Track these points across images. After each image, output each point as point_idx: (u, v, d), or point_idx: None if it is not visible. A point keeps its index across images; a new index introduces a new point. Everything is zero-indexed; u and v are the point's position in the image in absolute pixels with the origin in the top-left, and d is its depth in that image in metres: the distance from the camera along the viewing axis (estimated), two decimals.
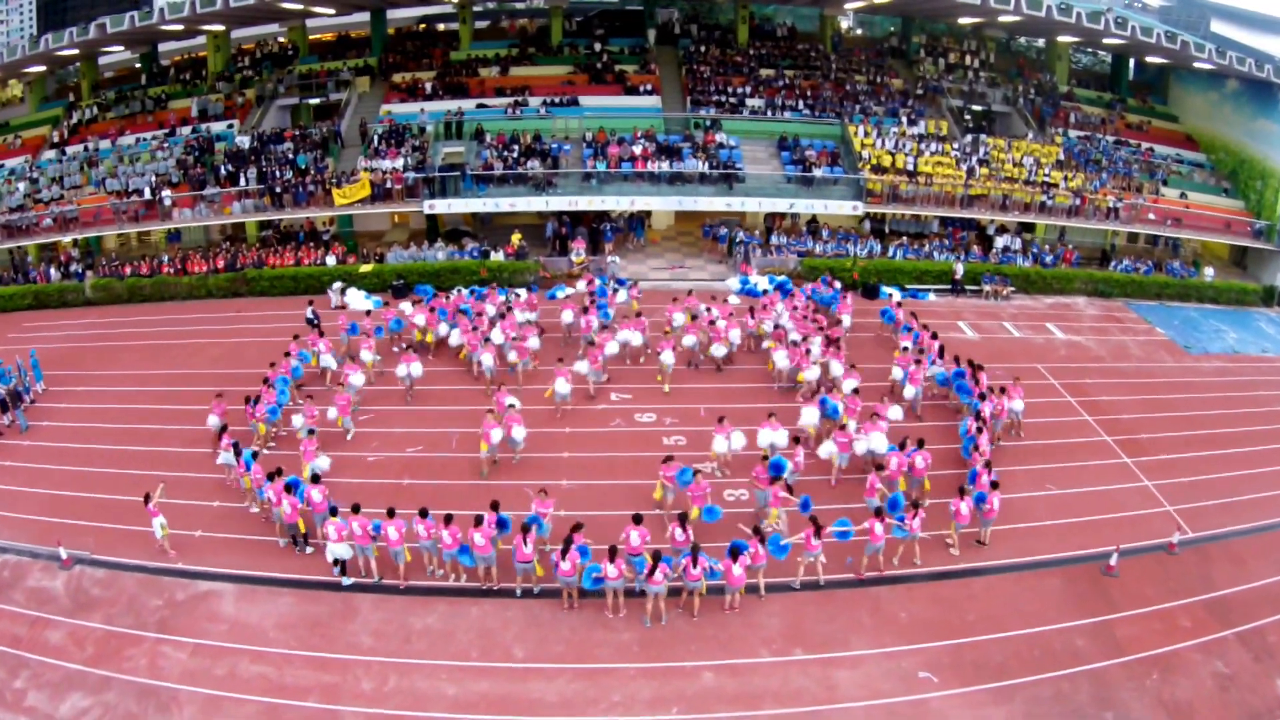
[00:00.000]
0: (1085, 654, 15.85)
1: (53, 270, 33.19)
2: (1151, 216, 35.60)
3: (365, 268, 32.43)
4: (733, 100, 39.72)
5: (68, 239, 34.64)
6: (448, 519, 16.72)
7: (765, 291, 30.42)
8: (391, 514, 16.99)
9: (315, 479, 18.06)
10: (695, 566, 16.13)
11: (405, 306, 27.41)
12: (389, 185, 33.81)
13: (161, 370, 26.32)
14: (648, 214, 37.70)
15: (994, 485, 18.38)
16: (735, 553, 16.28)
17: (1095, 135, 40.00)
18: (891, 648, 15.84)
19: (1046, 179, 35.77)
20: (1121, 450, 22.47)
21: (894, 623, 16.47)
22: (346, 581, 17.35)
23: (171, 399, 24.43)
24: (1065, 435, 23.09)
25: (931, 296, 32.70)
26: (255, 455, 19.51)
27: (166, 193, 33.90)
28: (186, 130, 38.26)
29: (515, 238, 34.11)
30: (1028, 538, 18.92)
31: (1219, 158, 39.66)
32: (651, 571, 15.92)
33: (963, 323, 30.24)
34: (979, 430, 20.45)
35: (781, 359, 24.30)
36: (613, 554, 16.04)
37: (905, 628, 16.35)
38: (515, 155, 35.27)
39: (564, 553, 16.10)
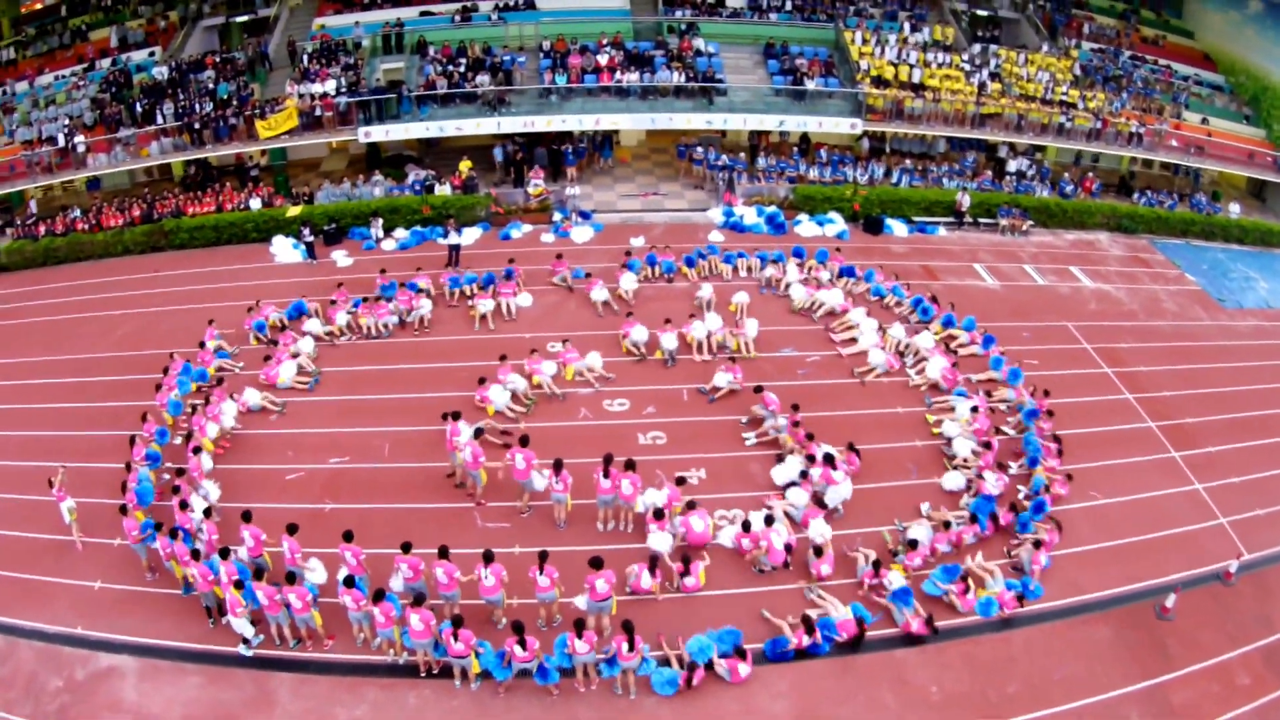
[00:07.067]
0: None
1: None
2: (1174, 144, 32.12)
3: (292, 210, 28.29)
4: (711, 0, 35.11)
5: None
6: (378, 595, 13.69)
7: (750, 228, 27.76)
8: (291, 579, 14.09)
9: (224, 554, 14.74)
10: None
11: (338, 256, 24.99)
12: (318, 113, 29.58)
13: (67, 356, 22.57)
14: (616, 130, 33.48)
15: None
16: (741, 653, 13.86)
17: (1111, 49, 36.09)
18: None
19: (1064, 98, 31.96)
20: (1167, 440, 19.82)
21: (922, 701, 13.84)
22: (247, 652, 14.47)
23: (77, 394, 20.93)
24: (1106, 421, 20.40)
25: (942, 231, 29.24)
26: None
27: (80, 138, 29.40)
28: (107, 63, 33.37)
29: (464, 166, 29.89)
30: (1073, 567, 16.37)
31: (1239, 81, 36.07)
32: (630, 644, 13.33)
33: (980, 266, 27.00)
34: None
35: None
36: (579, 628, 13.33)
37: (935, 707, 13.73)
38: (462, 70, 30.86)
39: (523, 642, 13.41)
